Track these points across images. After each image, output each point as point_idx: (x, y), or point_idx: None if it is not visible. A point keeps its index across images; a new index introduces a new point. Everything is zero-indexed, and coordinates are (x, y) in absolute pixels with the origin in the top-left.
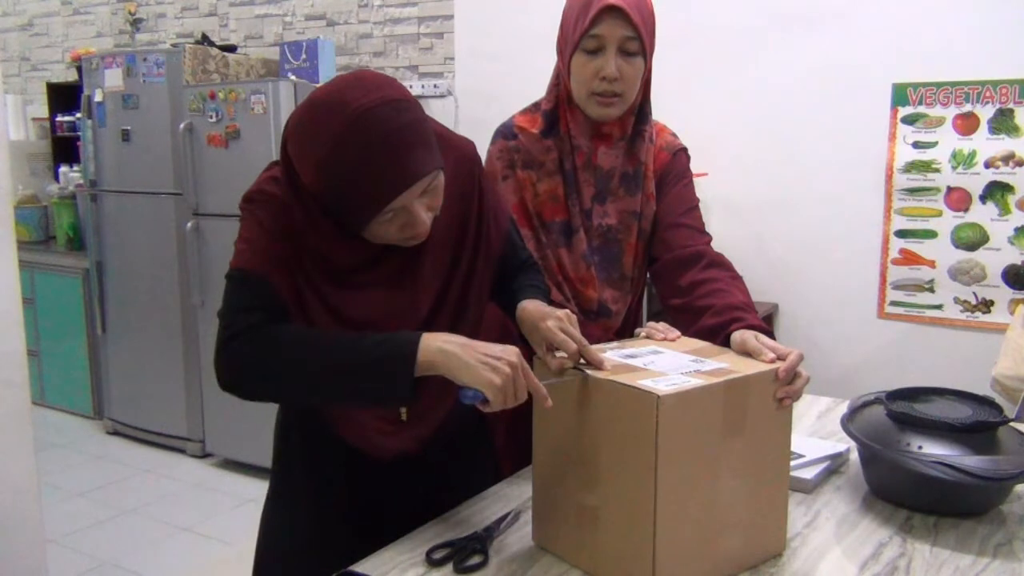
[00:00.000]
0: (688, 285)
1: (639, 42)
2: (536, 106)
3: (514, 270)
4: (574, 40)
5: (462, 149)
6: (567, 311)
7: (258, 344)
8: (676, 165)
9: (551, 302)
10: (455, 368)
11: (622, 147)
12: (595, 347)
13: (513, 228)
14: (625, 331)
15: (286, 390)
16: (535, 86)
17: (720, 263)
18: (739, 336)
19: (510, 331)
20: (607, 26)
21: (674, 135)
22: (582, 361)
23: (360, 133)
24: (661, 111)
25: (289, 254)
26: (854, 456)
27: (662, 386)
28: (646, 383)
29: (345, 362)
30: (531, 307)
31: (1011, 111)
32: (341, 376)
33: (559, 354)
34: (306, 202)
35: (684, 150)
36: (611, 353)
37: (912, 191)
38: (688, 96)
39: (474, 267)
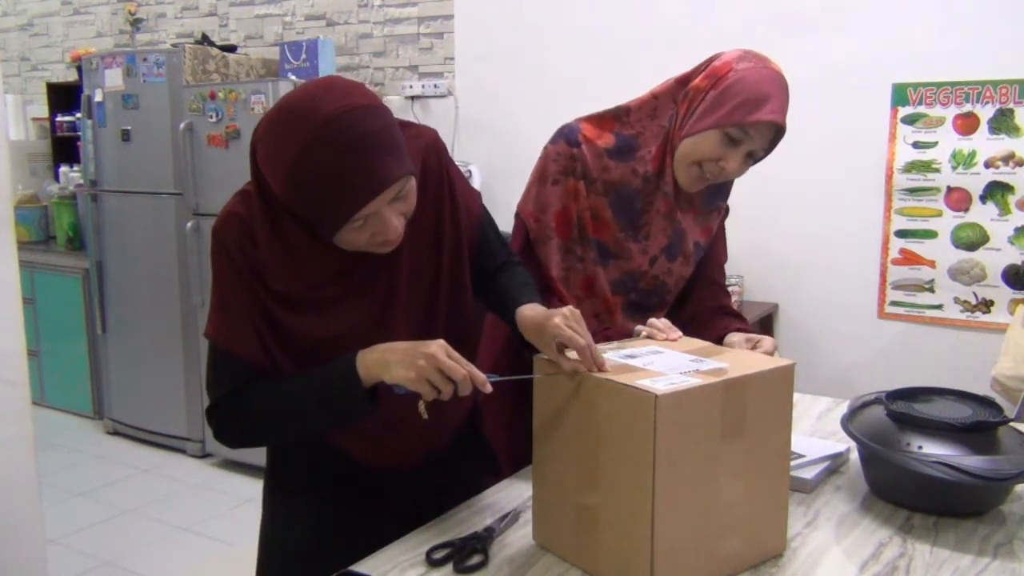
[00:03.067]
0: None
1: (765, 154)
2: (609, 119)
3: (497, 266)
4: (723, 119)
5: (426, 138)
6: (571, 307)
7: (233, 414)
8: (722, 224)
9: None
10: (382, 372)
11: (702, 217)
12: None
13: (485, 216)
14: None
15: (269, 440)
16: (535, 86)
17: (735, 315)
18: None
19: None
20: (759, 132)
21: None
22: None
23: (328, 139)
24: None
25: (256, 295)
26: (854, 456)
27: (660, 386)
28: (644, 383)
29: (306, 405)
30: (531, 311)
31: (1011, 111)
32: (308, 417)
33: (570, 353)
34: (276, 211)
35: (728, 209)
36: (611, 353)
37: (912, 191)
38: None
39: (459, 256)
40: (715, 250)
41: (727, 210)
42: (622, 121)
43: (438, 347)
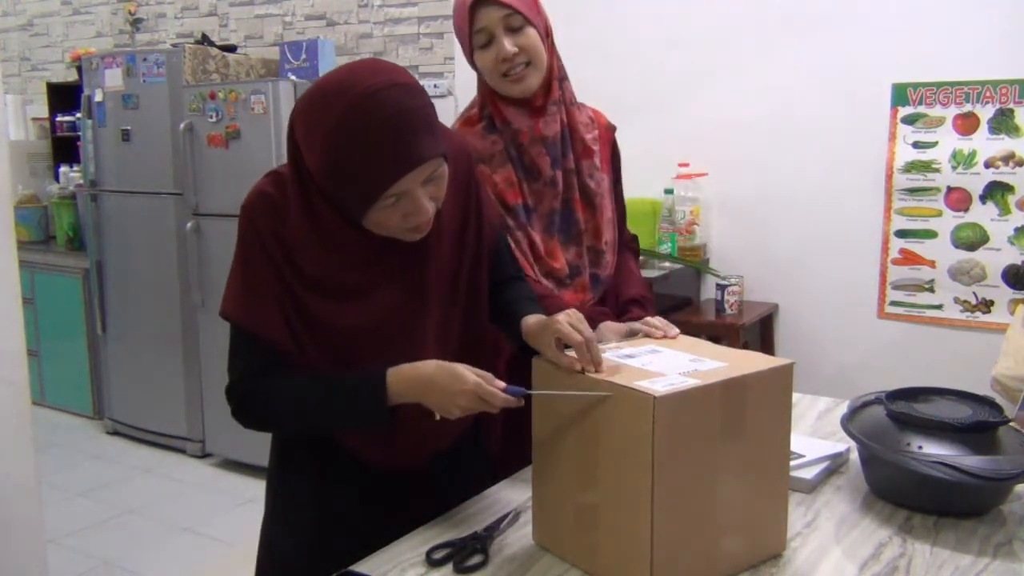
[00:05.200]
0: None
1: (519, 15)
2: (469, 113)
3: (505, 280)
4: (467, 43)
5: (458, 145)
6: (574, 309)
7: (254, 397)
8: (616, 149)
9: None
10: (423, 401)
11: (555, 114)
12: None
13: (502, 232)
14: (608, 304)
15: (283, 430)
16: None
17: (631, 248)
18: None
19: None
20: (484, 16)
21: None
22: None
23: (367, 112)
24: (662, 111)
25: (283, 277)
26: (854, 456)
27: (659, 387)
28: (643, 384)
29: (327, 410)
30: (534, 319)
31: (1011, 111)
32: (327, 419)
33: (569, 351)
34: (310, 192)
35: (615, 129)
36: (610, 353)
37: (912, 191)
38: (689, 96)
39: (478, 266)
40: (618, 191)
41: (611, 128)
42: (470, 108)
43: (472, 392)
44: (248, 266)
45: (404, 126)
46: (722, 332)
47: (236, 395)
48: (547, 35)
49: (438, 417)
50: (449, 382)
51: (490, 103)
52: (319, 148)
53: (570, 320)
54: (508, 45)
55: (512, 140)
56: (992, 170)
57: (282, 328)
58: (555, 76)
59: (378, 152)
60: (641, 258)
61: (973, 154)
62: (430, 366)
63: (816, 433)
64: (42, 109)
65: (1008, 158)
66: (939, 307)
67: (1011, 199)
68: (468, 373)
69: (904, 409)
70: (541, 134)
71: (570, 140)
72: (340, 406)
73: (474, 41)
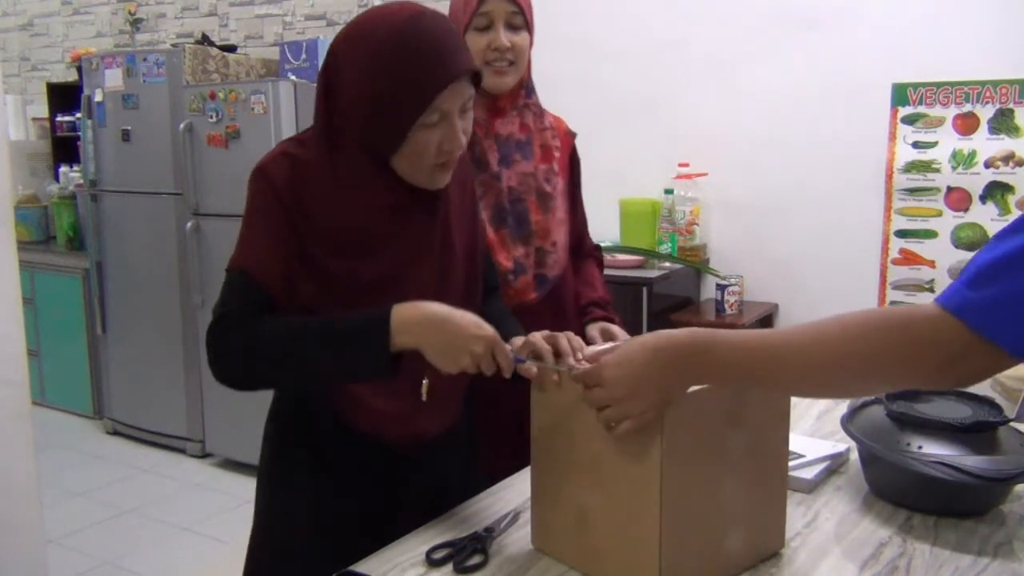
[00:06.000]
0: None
1: (523, 17)
2: None
3: (488, 288)
4: (465, 20)
5: (562, 126)
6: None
7: (235, 334)
8: (575, 154)
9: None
10: (425, 349)
11: (515, 118)
12: (591, 348)
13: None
14: (566, 308)
15: (264, 380)
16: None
17: (595, 257)
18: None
19: None
20: (493, 3)
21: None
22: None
23: (412, 30)
24: (662, 111)
25: (296, 230)
26: (854, 456)
27: None
28: None
29: (321, 347)
30: (519, 340)
31: (1011, 111)
32: (318, 362)
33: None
34: (340, 135)
35: (575, 136)
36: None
37: (912, 191)
38: (689, 96)
39: (475, 258)
40: (579, 196)
41: (570, 135)
42: None
43: (491, 341)
44: (254, 216)
45: (447, 42)
46: None
47: (218, 332)
48: (530, 46)
49: (424, 396)
50: (467, 324)
51: None
52: (365, 72)
53: (545, 335)
54: (505, 38)
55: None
56: (992, 170)
57: (278, 271)
58: (524, 84)
59: (427, 61)
60: (641, 258)
61: (973, 154)
62: (443, 307)
63: (816, 433)
64: (42, 109)
65: (1008, 158)
66: None
67: (1011, 199)
68: (487, 323)
69: (904, 409)
70: (496, 132)
71: (530, 144)
72: (338, 343)
73: (473, 21)
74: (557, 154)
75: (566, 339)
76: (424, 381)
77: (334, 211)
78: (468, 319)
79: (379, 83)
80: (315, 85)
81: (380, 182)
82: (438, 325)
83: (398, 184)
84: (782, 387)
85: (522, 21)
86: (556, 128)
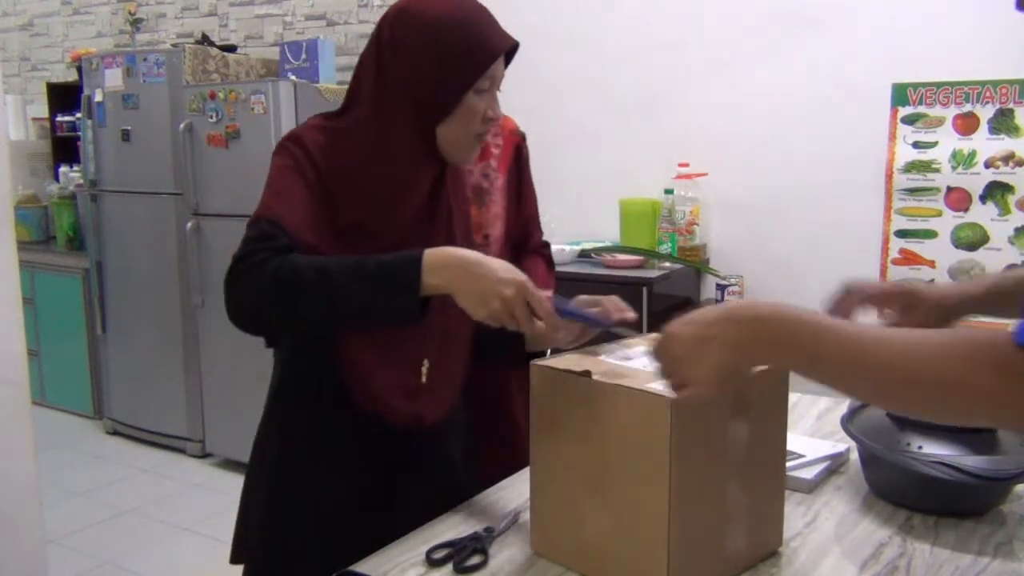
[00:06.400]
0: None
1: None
2: None
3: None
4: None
5: (509, 124)
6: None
7: (261, 265)
8: (524, 151)
9: None
10: (455, 292)
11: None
12: (589, 348)
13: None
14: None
15: (283, 317)
16: (532, 85)
17: (542, 255)
18: None
19: None
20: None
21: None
22: (584, 368)
23: (465, 8)
24: (662, 110)
25: (325, 187)
26: (854, 456)
27: None
28: (654, 386)
29: (347, 283)
30: None
31: (1011, 111)
32: (345, 300)
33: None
34: (387, 104)
35: (524, 136)
36: (607, 356)
37: (912, 191)
38: (689, 96)
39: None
40: (528, 191)
41: (516, 133)
42: None
43: (518, 292)
44: (286, 175)
45: (493, 18)
46: None
47: (241, 268)
48: None
49: (424, 377)
50: (497, 267)
51: None
52: (428, 39)
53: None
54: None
55: None
56: (992, 170)
57: (310, 227)
58: None
59: (484, 30)
60: (641, 258)
61: (973, 154)
62: (474, 252)
63: (816, 433)
64: (42, 109)
65: (1008, 158)
66: None
67: (1011, 199)
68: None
69: None
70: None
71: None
72: (369, 280)
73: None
74: (496, 151)
75: (610, 301)
76: (424, 361)
77: (369, 177)
78: (499, 263)
79: (442, 47)
80: (314, 87)
81: (423, 149)
82: (469, 268)
83: (436, 157)
84: (857, 394)
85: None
86: (504, 126)
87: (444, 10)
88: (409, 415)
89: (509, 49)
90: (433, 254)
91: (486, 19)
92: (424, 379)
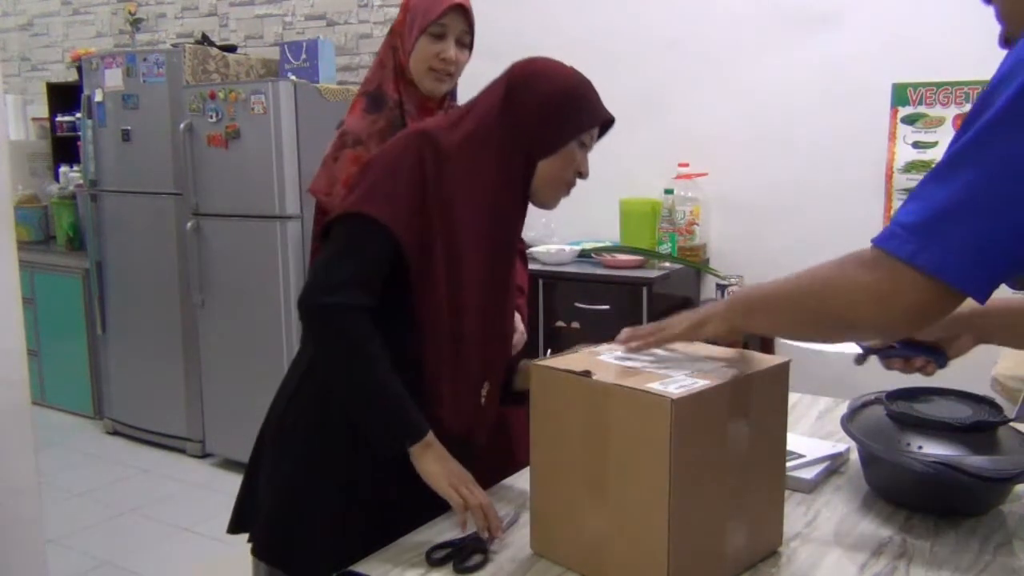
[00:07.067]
0: None
1: (470, 37)
2: (358, 95)
3: None
4: (422, 25)
5: None
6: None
7: (353, 318)
8: None
9: None
10: (431, 481)
11: (440, 118)
12: (589, 348)
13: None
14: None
15: (342, 371)
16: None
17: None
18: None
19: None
20: (452, 19)
21: None
22: (584, 368)
23: (583, 79)
24: (662, 110)
25: (425, 195)
26: (854, 456)
27: (672, 389)
28: (655, 386)
29: (371, 407)
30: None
31: None
32: (366, 414)
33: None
34: (508, 138)
35: None
36: (607, 356)
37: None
38: (688, 96)
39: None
40: None
41: None
42: (366, 85)
43: (480, 499)
44: (398, 176)
45: (598, 93)
46: None
47: (331, 298)
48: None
49: (484, 393)
50: (464, 473)
51: (396, 80)
52: (552, 93)
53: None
54: (453, 51)
55: (399, 118)
56: None
57: (412, 225)
58: (451, 91)
59: (594, 98)
60: (641, 258)
61: None
62: (454, 465)
63: (816, 433)
64: (42, 109)
65: None
66: None
67: None
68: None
69: (904, 409)
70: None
71: None
72: (380, 412)
73: (430, 28)
74: None
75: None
76: (485, 384)
77: (463, 197)
78: (465, 473)
79: (563, 99)
80: (314, 87)
81: (519, 175)
82: (448, 464)
83: (524, 189)
84: (780, 329)
85: (469, 40)
86: None
87: (570, 74)
88: (463, 428)
89: (607, 121)
90: (420, 450)
91: (595, 91)
92: (483, 400)
